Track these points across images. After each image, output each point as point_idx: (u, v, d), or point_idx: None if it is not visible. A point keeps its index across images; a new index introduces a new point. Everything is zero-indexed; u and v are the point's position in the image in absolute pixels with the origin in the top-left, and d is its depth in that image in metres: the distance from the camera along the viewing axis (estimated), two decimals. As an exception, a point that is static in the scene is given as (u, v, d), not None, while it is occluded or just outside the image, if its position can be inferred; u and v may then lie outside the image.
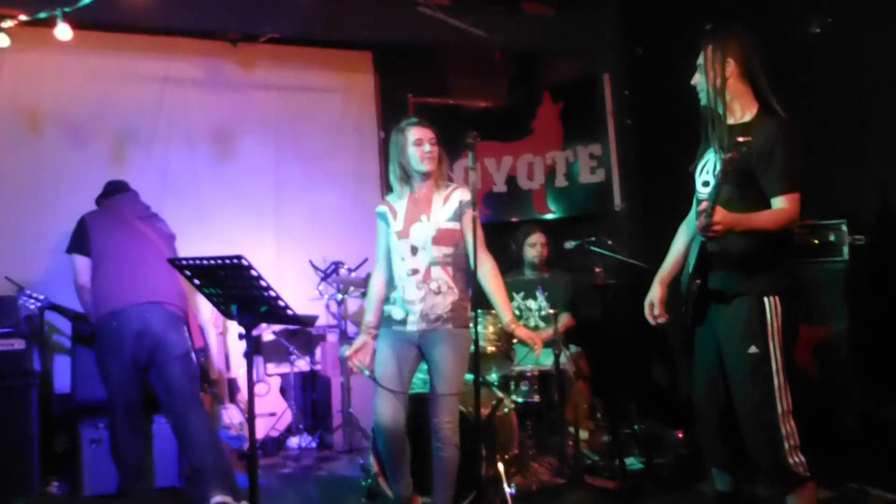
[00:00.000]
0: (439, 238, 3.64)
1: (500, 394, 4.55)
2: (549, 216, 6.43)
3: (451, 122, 6.25)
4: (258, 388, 5.64)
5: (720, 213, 2.82)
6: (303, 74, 6.39)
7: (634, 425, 5.01)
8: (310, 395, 6.23)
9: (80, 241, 4.34)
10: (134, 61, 5.80)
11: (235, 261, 2.87)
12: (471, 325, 3.59)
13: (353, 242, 6.13)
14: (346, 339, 5.70)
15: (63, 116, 5.55)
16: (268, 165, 6.23)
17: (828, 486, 3.98)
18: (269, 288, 2.91)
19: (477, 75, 6.93)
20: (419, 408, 3.87)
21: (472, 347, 3.56)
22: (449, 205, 3.68)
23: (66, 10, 4.45)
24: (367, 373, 3.77)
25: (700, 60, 3.21)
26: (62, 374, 5.18)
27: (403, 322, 3.68)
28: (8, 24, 4.55)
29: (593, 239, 4.77)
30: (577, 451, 4.65)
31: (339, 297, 5.84)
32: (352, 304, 6.08)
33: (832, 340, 4.14)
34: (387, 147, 3.82)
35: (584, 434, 4.88)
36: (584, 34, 6.32)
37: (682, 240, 3.44)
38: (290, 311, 2.99)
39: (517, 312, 5.39)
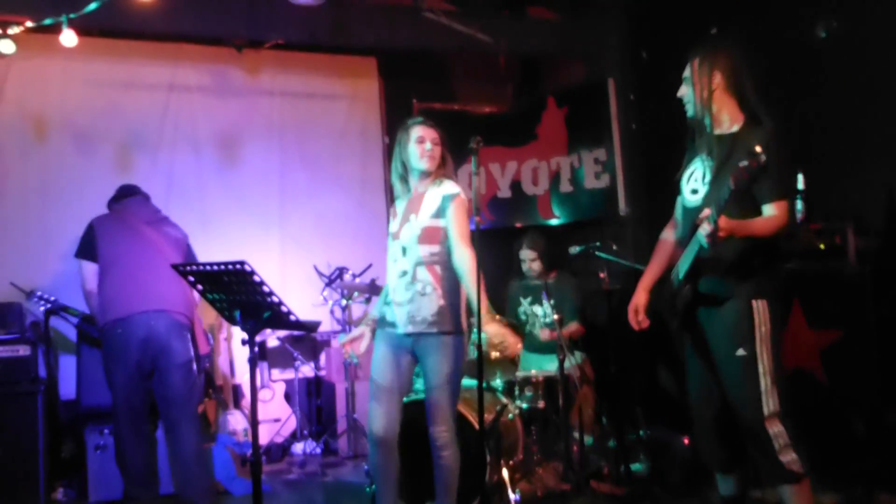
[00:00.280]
0: (424, 236, 3.56)
1: (504, 399, 4.53)
2: (554, 221, 6.42)
3: (456, 127, 6.17)
4: (263, 394, 5.64)
5: (724, 219, 2.89)
6: (308, 80, 6.41)
7: (640, 430, 4.99)
8: (314, 401, 6.23)
9: (87, 246, 4.34)
10: (139, 68, 5.83)
11: (238, 266, 2.87)
12: (466, 329, 3.55)
13: (358, 248, 6.13)
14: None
15: (69, 123, 5.58)
16: (273, 171, 6.25)
17: (835, 489, 3.96)
18: (271, 293, 2.90)
19: (482, 80, 6.94)
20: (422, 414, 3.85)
21: (476, 352, 3.53)
22: (433, 201, 3.60)
23: (72, 16, 4.47)
24: (355, 361, 3.75)
25: (687, 73, 3.29)
26: (68, 380, 5.18)
27: (394, 325, 3.63)
28: (14, 30, 4.57)
29: (598, 244, 4.77)
30: (583, 457, 4.63)
31: (344, 302, 5.85)
32: (356, 310, 6.08)
33: (839, 344, 4.12)
34: (392, 152, 3.80)
35: (589, 439, 4.86)
36: (589, 39, 6.32)
37: (666, 247, 3.50)
38: (293, 317, 2.98)
39: (523, 317, 5.38)
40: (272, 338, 5.98)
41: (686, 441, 4.76)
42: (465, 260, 3.48)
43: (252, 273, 2.86)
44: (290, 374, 6.02)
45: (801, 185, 4.29)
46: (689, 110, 3.29)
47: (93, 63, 5.58)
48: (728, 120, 3.22)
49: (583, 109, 6.34)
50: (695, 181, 3.28)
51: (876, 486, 3.98)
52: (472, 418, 3.91)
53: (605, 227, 6.05)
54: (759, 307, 3.09)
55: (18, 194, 5.41)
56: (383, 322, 3.70)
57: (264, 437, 5.50)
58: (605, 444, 4.91)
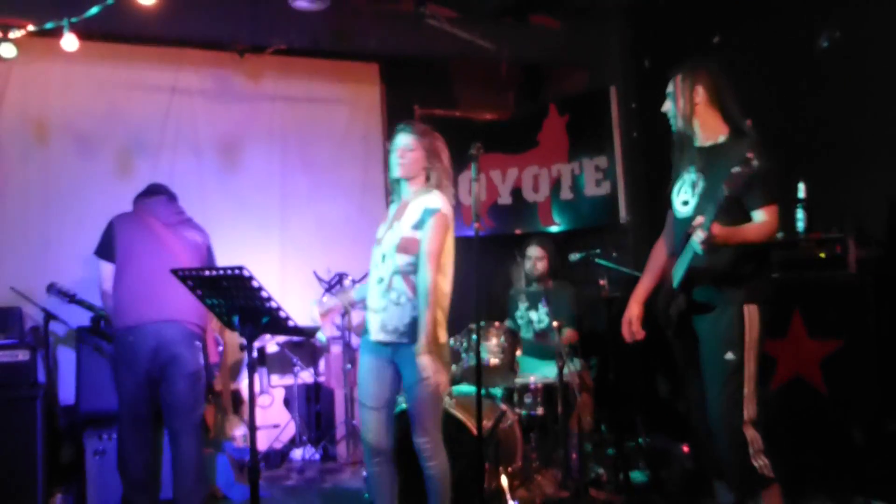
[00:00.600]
0: (402, 246, 3.50)
1: (503, 406, 4.52)
2: (555, 228, 6.41)
3: (457, 133, 6.20)
4: (262, 400, 5.63)
5: (717, 226, 2.97)
6: (309, 86, 6.41)
7: (639, 438, 4.98)
8: (314, 407, 6.22)
9: (106, 245, 4.29)
10: (141, 72, 5.83)
11: (237, 271, 2.87)
12: (441, 342, 3.46)
13: (358, 254, 6.10)
14: (349, 350, 5.69)
15: (70, 127, 5.57)
16: (274, 176, 6.25)
17: (834, 498, 3.97)
18: (270, 298, 2.90)
19: (483, 87, 6.94)
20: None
21: (474, 360, 3.52)
22: (415, 212, 3.53)
23: (73, 20, 4.47)
24: (323, 340, 3.73)
25: (670, 89, 3.42)
26: (67, 385, 5.17)
27: (369, 331, 3.61)
28: (15, 34, 4.57)
29: (598, 251, 4.77)
30: (582, 464, 4.62)
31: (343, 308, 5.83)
32: (356, 316, 6.07)
33: (839, 354, 4.12)
34: (390, 159, 3.80)
35: (588, 447, 4.85)
36: (591, 47, 6.32)
37: (658, 259, 3.58)
38: (291, 322, 2.99)
39: (520, 322, 5.37)
40: (271, 343, 5.97)
41: (685, 449, 4.76)
42: (424, 280, 3.42)
43: (250, 278, 2.87)
44: (289, 380, 6.01)
45: (802, 194, 4.30)
46: (673, 124, 3.42)
47: (94, 67, 5.58)
48: (713, 132, 3.31)
49: (584, 117, 6.35)
50: (684, 193, 3.37)
51: (875, 496, 3.97)
52: (471, 425, 3.89)
53: (606, 234, 6.05)
54: (750, 312, 3.16)
55: (19, 198, 5.39)
56: (366, 329, 3.67)
57: (263, 443, 5.48)
58: (603, 452, 4.91)
